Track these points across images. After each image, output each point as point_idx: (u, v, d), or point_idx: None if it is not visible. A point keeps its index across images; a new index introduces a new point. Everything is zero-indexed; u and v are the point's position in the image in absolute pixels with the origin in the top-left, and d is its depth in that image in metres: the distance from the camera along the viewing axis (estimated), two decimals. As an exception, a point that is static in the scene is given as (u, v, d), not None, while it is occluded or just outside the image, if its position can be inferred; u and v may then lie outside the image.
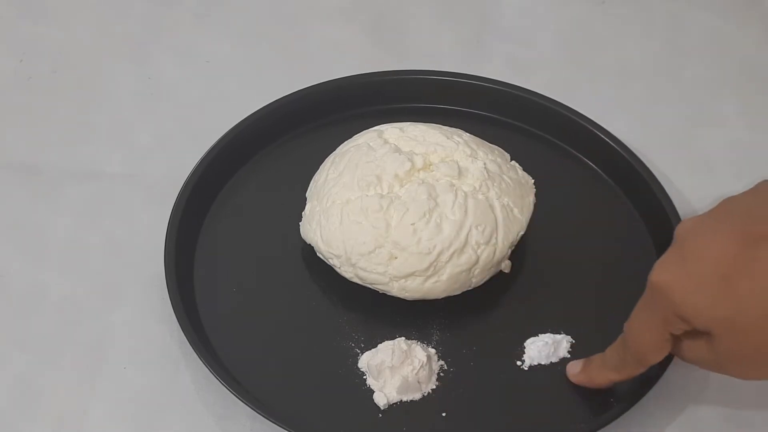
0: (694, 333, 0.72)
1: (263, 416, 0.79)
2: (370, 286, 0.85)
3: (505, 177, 0.86)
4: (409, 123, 0.90)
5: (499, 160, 0.88)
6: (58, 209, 0.93)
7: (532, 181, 0.89)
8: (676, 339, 0.74)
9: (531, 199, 0.87)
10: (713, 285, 0.68)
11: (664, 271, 0.71)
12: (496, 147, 0.90)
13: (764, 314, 0.67)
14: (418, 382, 0.81)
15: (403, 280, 0.84)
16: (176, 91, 1.02)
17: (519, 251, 0.88)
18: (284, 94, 0.96)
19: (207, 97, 1.01)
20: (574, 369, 0.82)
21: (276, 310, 0.86)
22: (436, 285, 0.84)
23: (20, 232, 0.92)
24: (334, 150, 0.90)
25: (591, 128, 0.95)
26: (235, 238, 0.90)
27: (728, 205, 0.72)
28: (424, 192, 0.84)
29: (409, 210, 0.83)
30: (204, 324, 0.85)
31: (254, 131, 0.94)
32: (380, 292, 0.85)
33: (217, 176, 0.92)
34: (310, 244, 0.87)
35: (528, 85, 0.98)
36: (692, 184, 0.94)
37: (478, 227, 0.83)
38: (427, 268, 0.83)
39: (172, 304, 0.83)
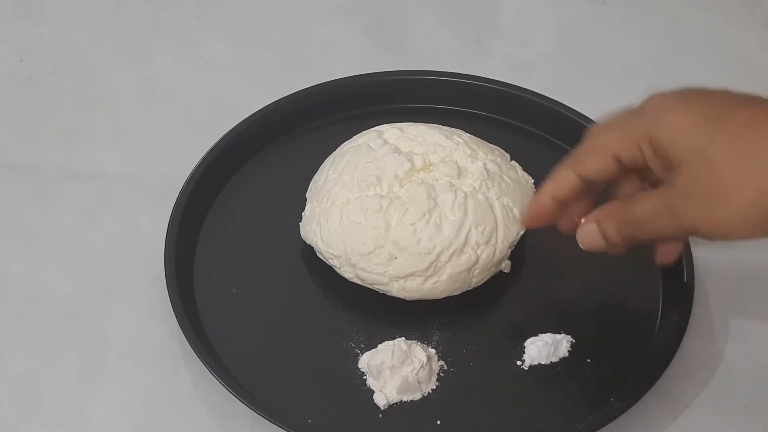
0: (649, 181, 0.73)
1: (263, 416, 0.79)
2: (370, 287, 0.85)
3: (505, 177, 0.86)
4: (409, 123, 0.90)
5: (499, 160, 0.88)
6: (58, 209, 0.93)
7: (532, 181, 0.89)
8: (625, 199, 0.74)
9: None
10: (706, 117, 0.69)
11: (665, 97, 0.72)
12: (496, 147, 0.90)
13: (735, 150, 0.68)
14: (418, 382, 0.81)
15: (402, 281, 0.84)
16: (176, 91, 1.02)
17: (519, 251, 0.88)
18: (284, 95, 0.96)
19: (207, 97, 1.01)
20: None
21: (276, 311, 0.86)
22: (436, 285, 0.84)
23: (20, 232, 0.92)
24: (334, 150, 0.90)
25: (591, 128, 0.95)
26: (235, 238, 0.90)
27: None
28: (424, 192, 0.84)
29: (408, 210, 0.83)
30: (204, 324, 0.85)
31: (254, 131, 0.94)
32: (380, 292, 0.85)
33: (217, 176, 0.92)
34: (310, 245, 0.87)
35: (528, 85, 0.98)
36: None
37: (478, 227, 0.83)
38: (427, 268, 0.83)
39: (172, 304, 0.83)
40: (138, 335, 0.86)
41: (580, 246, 0.78)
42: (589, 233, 0.77)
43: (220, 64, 1.04)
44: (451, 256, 0.83)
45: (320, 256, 0.86)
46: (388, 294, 0.85)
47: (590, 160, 0.75)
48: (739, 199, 0.68)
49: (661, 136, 0.71)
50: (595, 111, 0.96)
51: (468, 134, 0.90)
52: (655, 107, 0.73)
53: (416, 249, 0.83)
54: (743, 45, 1.07)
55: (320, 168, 0.89)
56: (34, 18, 1.07)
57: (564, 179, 0.77)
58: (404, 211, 0.83)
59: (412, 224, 0.83)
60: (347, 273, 0.85)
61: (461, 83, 0.98)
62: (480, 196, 0.85)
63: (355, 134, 0.90)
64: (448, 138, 0.88)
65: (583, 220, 0.78)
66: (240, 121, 0.94)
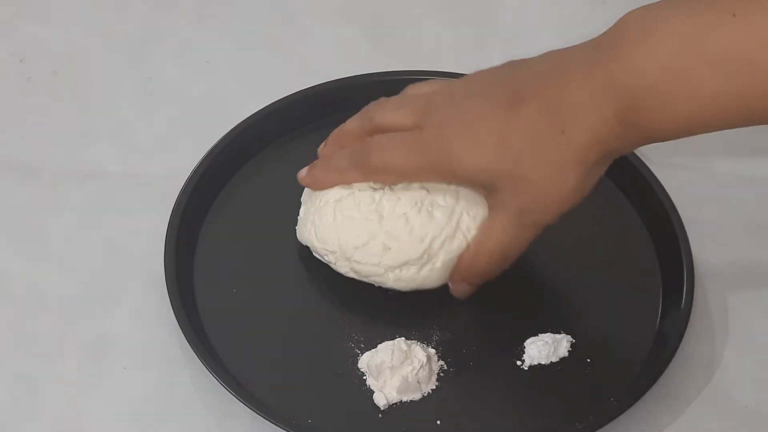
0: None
1: (263, 417, 0.79)
2: (365, 280, 0.85)
3: None
4: None
5: None
6: (58, 209, 0.93)
7: None
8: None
9: None
10: (494, 141, 0.78)
11: (449, 127, 0.79)
12: None
13: (536, 161, 0.77)
14: (418, 382, 0.81)
15: (398, 270, 0.84)
16: (176, 91, 1.02)
17: (519, 251, 0.88)
18: (284, 95, 0.96)
19: (207, 97, 1.01)
20: (301, 174, 0.87)
21: (276, 311, 0.86)
22: (431, 273, 0.84)
23: (20, 232, 0.92)
24: (335, 150, 0.90)
25: (591, 128, 0.95)
26: (235, 239, 0.90)
27: (480, 76, 0.83)
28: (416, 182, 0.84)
29: (401, 200, 0.83)
30: (204, 324, 0.85)
31: (254, 132, 0.94)
32: (376, 285, 0.85)
33: (217, 176, 0.92)
34: (307, 246, 0.87)
35: (528, 84, 0.98)
36: (692, 184, 0.94)
37: (469, 212, 0.83)
38: (421, 256, 0.83)
39: (172, 304, 0.83)
40: (138, 335, 0.86)
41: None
42: (464, 291, 0.85)
43: (220, 64, 1.04)
44: (443, 243, 0.83)
45: (316, 255, 0.86)
46: (384, 286, 0.85)
47: (384, 178, 0.83)
48: (562, 194, 0.78)
49: (469, 178, 0.81)
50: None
51: None
52: (449, 148, 0.80)
53: (409, 238, 0.83)
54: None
55: None
56: (34, 18, 1.07)
57: (351, 180, 0.84)
58: (396, 200, 0.83)
59: (404, 213, 0.83)
60: (343, 267, 0.85)
61: (461, 83, 0.98)
62: None
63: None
64: None
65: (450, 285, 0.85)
66: (240, 121, 0.94)
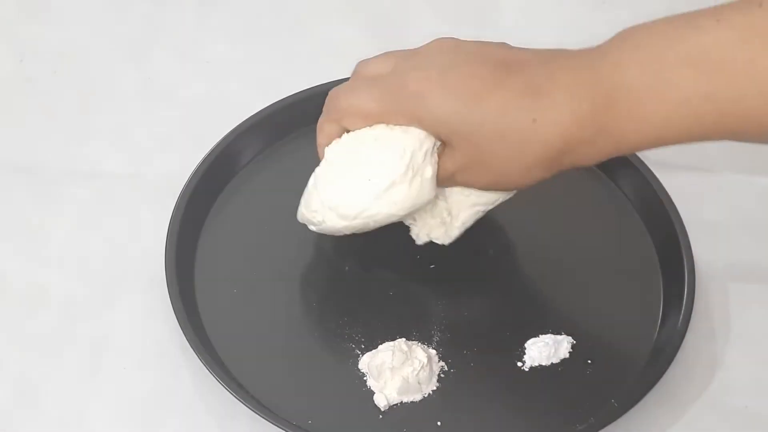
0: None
1: (263, 417, 0.79)
2: (358, 223, 0.82)
3: None
4: None
5: None
6: (58, 209, 0.93)
7: None
8: None
9: None
10: (466, 100, 0.77)
11: (427, 76, 0.78)
12: None
13: (497, 135, 0.76)
14: (419, 383, 0.81)
15: (387, 195, 0.80)
16: (176, 91, 1.02)
17: (519, 252, 0.88)
18: (284, 95, 0.96)
19: (207, 97, 1.01)
20: None
21: (276, 311, 0.86)
22: (423, 185, 0.80)
23: (20, 232, 0.92)
24: (335, 150, 0.90)
25: (591, 128, 0.95)
26: (235, 239, 0.90)
27: (476, 42, 0.81)
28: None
29: (371, 127, 0.81)
30: (204, 324, 0.85)
31: (255, 132, 0.94)
32: (372, 225, 0.82)
33: (218, 176, 0.92)
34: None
35: (528, 85, 0.98)
36: (692, 184, 0.95)
37: None
38: (406, 172, 0.80)
39: (172, 304, 0.83)
40: (138, 335, 0.86)
41: None
42: None
43: (220, 64, 1.04)
44: (425, 155, 0.80)
45: (312, 228, 0.84)
46: (377, 219, 0.82)
47: (356, 122, 0.81)
48: (503, 178, 0.79)
49: (428, 123, 0.79)
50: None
51: None
52: (418, 88, 0.78)
53: (387, 156, 0.80)
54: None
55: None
56: (34, 18, 1.07)
57: (330, 134, 0.83)
58: (366, 131, 0.81)
59: (375, 137, 0.81)
60: (332, 220, 0.82)
61: (461, 83, 0.98)
62: None
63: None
64: None
65: None
66: (241, 121, 0.94)
